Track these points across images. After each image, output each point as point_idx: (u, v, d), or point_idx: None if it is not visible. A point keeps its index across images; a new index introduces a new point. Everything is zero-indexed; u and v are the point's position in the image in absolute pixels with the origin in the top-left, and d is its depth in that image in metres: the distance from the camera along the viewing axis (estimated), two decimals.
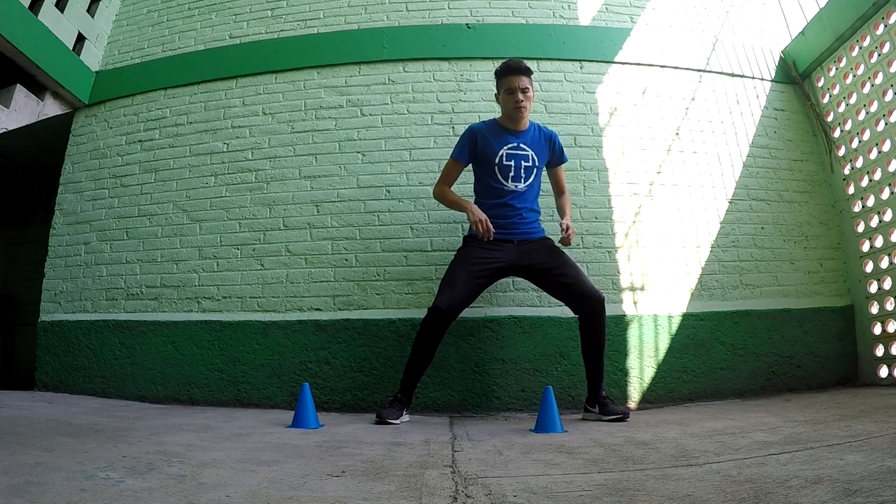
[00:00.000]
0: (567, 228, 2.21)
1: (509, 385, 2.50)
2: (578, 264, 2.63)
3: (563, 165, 2.43)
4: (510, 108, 2.24)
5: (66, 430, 1.60)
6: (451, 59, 2.98)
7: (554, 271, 2.21)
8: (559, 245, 2.27)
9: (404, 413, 2.14)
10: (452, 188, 2.38)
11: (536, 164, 2.29)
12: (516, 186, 2.26)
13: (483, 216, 2.17)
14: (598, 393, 2.15)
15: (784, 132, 3.07)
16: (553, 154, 2.37)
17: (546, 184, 2.46)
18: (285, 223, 2.80)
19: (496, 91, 2.33)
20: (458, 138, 2.81)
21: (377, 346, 2.56)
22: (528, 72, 2.23)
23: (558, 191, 2.46)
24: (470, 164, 2.37)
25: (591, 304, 2.14)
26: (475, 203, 2.31)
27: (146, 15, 3.40)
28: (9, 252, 4.41)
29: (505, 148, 2.26)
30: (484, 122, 2.38)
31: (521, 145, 2.28)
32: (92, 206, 3.04)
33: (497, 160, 2.25)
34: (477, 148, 2.30)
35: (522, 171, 2.26)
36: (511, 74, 2.21)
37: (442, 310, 2.09)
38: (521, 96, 2.20)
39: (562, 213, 2.41)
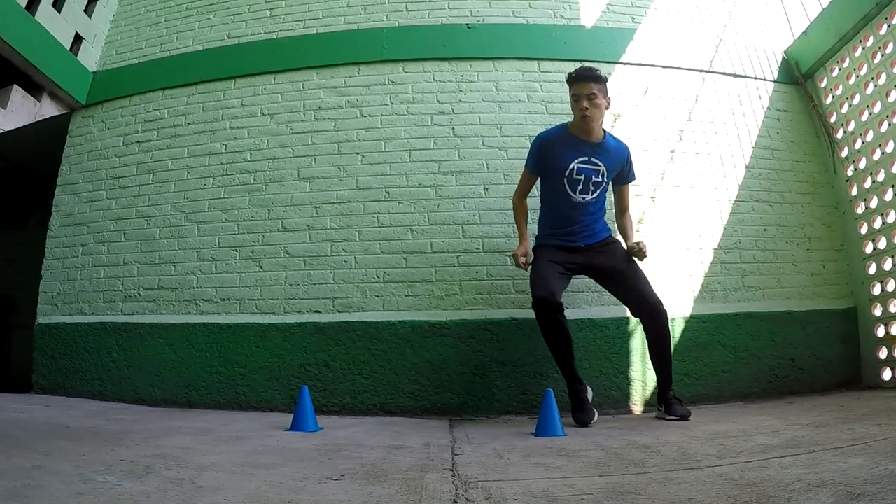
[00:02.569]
0: (637, 246, 2.21)
1: (510, 388, 2.49)
2: None
3: (630, 184, 2.39)
4: (577, 115, 2.19)
5: (63, 434, 1.60)
6: (451, 60, 2.96)
7: (620, 276, 2.23)
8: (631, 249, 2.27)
9: (589, 394, 2.18)
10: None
11: (606, 178, 2.27)
12: (584, 198, 2.24)
13: (521, 256, 2.22)
14: (665, 393, 2.18)
15: (787, 133, 3.06)
16: (623, 170, 2.32)
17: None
18: (284, 225, 2.78)
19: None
20: (458, 139, 2.82)
21: (377, 348, 2.55)
22: (595, 78, 2.14)
23: (621, 209, 2.42)
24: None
25: (651, 314, 2.17)
26: (541, 211, 2.36)
27: (144, 15, 3.39)
28: (5, 254, 4.39)
29: (576, 161, 2.21)
30: (554, 128, 2.32)
31: (593, 159, 2.22)
32: (89, 208, 3.03)
33: (568, 173, 2.21)
34: (545, 158, 2.27)
35: (591, 184, 2.23)
36: (576, 81, 2.16)
37: (543, 297, 2.10)
38: (585, 103, 2.13)
39: (625, 234, 2.38)
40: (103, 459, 1.26)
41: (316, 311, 2.64)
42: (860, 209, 2.84)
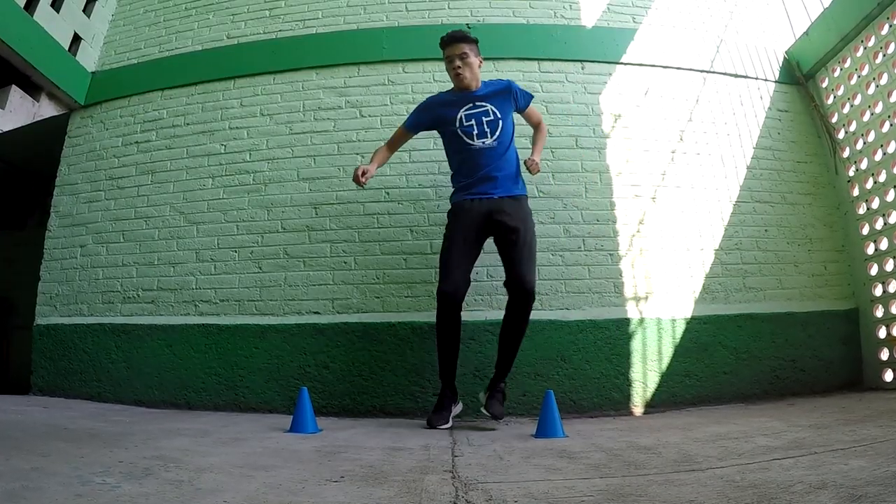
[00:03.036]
0: (530, 160, 2.24)
1: (510, 389, 2.46)
2: (580, 267, 2.64)
3: (532, 105, 2.42)
4: (452, 76, 2.30)
5: (62, 435, 1.59)
6: None
7: (508, 236, 2.17)
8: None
9: (454, 407, 2.21)
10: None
11: (499, 115, 2.27)
12: (483, 143, 2.25)
13: (360, 170, 2.19)
14: (497, 383, 2.19)
15: (788, 134, 3.06)
16: (515, 99, 2.35)
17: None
18: (283, 225, 2.78)
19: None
20: None
21: (376, 349, 2.54)
22: (464, 39, 2.27)
23: (534, 125, 2.47)
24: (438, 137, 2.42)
25: (518, 294, 2.11)
26: (454, 176, 2.35)
27: (143, 15, 3.37)
28: (4, 255, 4.37)
29: (462, 110, 2.28)
30: (440, 92, 2.43)
31: (478, 103, 2.28)
32: (88, 209, 3.02)
33: (457, 123, 2.27)
34: (433, 115, 2.34)
35: (486, 126, 2.26)
36: (448, 44, 2.27)
37: (446, 293, 2.11)
38: (458, 62, 2.25)
39: (533, 147, 2.39)
40: (102, 461, 1.26)
41: (315, 313, 2.63)
42: (862, 210, 2.83)
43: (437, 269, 2.57)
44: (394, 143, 2.45)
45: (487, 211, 2.20)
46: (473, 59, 2.28)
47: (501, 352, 2.19)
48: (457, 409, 2.24)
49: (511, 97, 2.34)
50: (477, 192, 2.23)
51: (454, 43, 2.26)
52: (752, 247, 2.80)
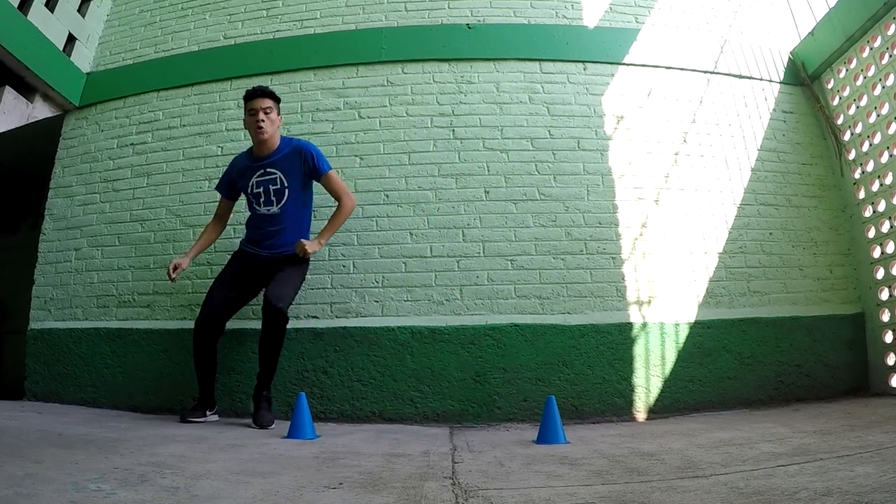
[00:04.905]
0: (308, 245, 2.26)
1: (511, 394, 2.46)
2: (582, 271, 2.62)
3: (329, 175, 2.38)
4: (252, 129, 2.32)
5: (56, 441, 1.59)
6: (451, 61, 2.93)
7: (268, 274, 2.30)
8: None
9: (209, 413, 2.34)
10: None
11: (286, 184, 2.33)
12: (269, 210, 2.34)
13: (172, 265, 2.32)
14: (260, 391, 2.26)
15: (793, 135, 3.03)
16: (305, 166, 2.35)
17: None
18: None
19: (244, 118, 2.38)
20: (458, 141, 2.80)
21: (375, 354, 2.52)
22: (271, 95, 2.33)
23: (335, 198, 2.41)
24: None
25: (265, 306, 2.18)
26: (246, 225, 2.46)
27: (138, 15, 3.34)
28: None
29: (255, 176, 2.35)
30: (242, 153, 2.48)
31: (269, 169, 2.34)
32: (83, 211, 2.99)
33: (249, 189, 2.37)
34: (232, 180, 2.43)
35: (273, 195, 2.33)
36: (253, 97, 2.30)
37: (200, 324, 2.26)
38: (261, 116, 2.27)
39: (326, 225, 2.37)
40: (97, 467, 1.25)
41: (314, 317, 2.61)
42: (868, 213, 2.81)
43: (436, 273, 2.58)
44: (221, 216, 2.52)
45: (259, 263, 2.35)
46: (275, 117, 2.34)
47: (261, 361, 2.27)
48: (212, 418, 2.35)
49: (304, 164, 2.34)
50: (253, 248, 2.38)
51: (260, 97, 2.29)
52: (756, 250, 2.78)
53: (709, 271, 2.70)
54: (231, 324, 2.42)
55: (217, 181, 2.56)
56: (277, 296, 2.18)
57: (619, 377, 2.48)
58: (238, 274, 2.36)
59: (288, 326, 2.56)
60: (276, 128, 2.35)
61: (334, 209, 2.40)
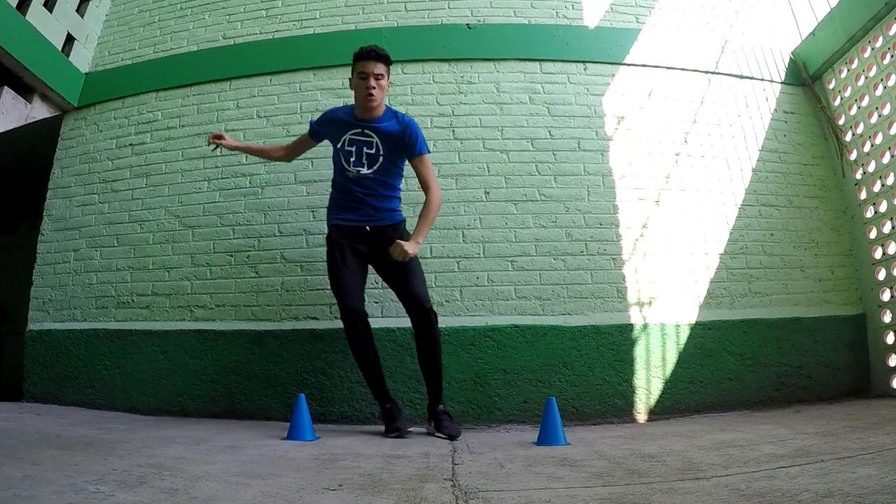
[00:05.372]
0: (398, 247, 2.07)
1: (511, 396, 2.45)
2: (583, 272, 2.61)
3: (424, 158, 2.24)
4: (360, 94, 2.18)
5: (54, 443, 1.58)
6: (451, 61, 2.92)
7: (389, 262, 2.14)
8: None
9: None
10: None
11: (381, 151, 2.20)
12: (358, 171, 2.20)
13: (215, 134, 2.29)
14: (434, 406, 2.14)
15: (794, 136, 3.02)
16: (406, 143, 2.21)
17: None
18: (280, 229, 2.74)
19: (350, 76, 2.24)
20: (458, 141, 2.79)
21: None
22: (385, 59, 2.19)
23: (424, 188, 2.25)
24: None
25: (416, 309, 2.11)
26: (331, 194, 2.32)
27: (137, 15, 3.33)
28: None
29: (349, 133, 2.22)
30: (344, 107, 2.36)
31: (366, 131, 2.21)
32: (81, 212, 2.98)
33: (340, 144, 2.23)
34: (327, 126, 2.30)
35: (364, 157, 2.20)
36: (366, 59, 2.16)
37: (351, 309, 2.08)
38: (372, 82, 2.14)
39: (417, 223, 2.19)
40: (96, 469, 1.24)
41: (313, 318, 2.60)
42: (869, 213, 2.80)
43: (436, 274, 2.57)
44: (293, 148, 2.43)
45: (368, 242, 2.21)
46: (385, 83, 2.21)
47: (427, 377, 2.17)
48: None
49: (403, 137, 2.20)
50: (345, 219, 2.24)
51: (373, 60, 2.16)
52: (757, 251, 2.77)
53: (710, 272, 2.69)
54: (228, 326, 2.42)
55: (215, 180, 2.53)
56: (423, 296, 2.12)
57: (619, 378, 2.47)
58: (352, 251, 2.18)
59: (287, 327, 2.59)
60: (384, 94, 2.22)
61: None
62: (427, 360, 2.15)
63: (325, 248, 2.26)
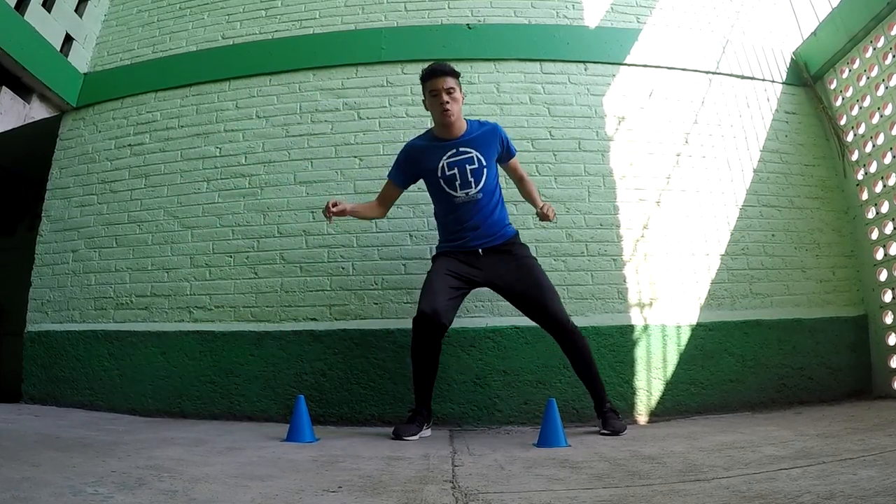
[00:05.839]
0: (544, 208, 2.14)
1: (511, 397, 2.45)
2: (583, 273, 2.60)
3: (515, 158, 2.28)
4: (436, 112, 2.13)
5: (53, 444, 1.59)
6: (451, 61, 2.84)
7: (517, 288, 2.10)
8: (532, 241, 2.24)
9: (425, 427, 2.11)
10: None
11: (484, 163, 2.15)
12: (467, 193, 2.14)
13: (332, 202, 2.10)
14: (601, 406, 2.12)
15: (795, 136, 3.01)
16: (501, 147, 2.21)
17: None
18: (280, 230, 2.73)
19: (423, 98, 2.20)
20: None
21: (375, 357, 2.50)
22: (452, 72, 2.14)
23: (518, 179, 2.32)
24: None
25: (557, 331, 2.09)
26: (438, 226, 2.28)
27: (136, 15, 3.32)
28: None
29: (445, 158, 2.15)
30: (420, 135, 2.29)
31: (461, 149, 2.15)
32: (80, 213, 2.97)
33: (440, 172, 2.15)
34: (413, 163, 2.21)
35: (470, 175, 2.13)
36: (433, 77, 2.13)
37: (425, 313, 1.99)
38: (445, 97, 2.09)
39: (531, 199, 2.30)
40: (94, 471, 1.24)
41: (312, 319, 2.59)
42: (871, 214, 2.79)
43: None
44: (383, 200, 2.31)
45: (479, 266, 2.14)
46: (459, 95, 2.14)
47: (587, 386, 2.15)
48: (426, 432, 2.12)
49: (498, 143, 2.20)
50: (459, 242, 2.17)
51: (440, 76, 2.10)
52: (758, 252, 2.76)
53: (710, 273, 2.68)
54: (227, 327, 2.40)
55: (214, 181, 2.49)
56: (563, 317, 2.07)
57: (620, 380, 2.46)
58: (453, 267, 2.12)
59: (286, 329, 2.58)
60: (460, 106, 2.15)
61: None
62: (582, 372, 2.12)
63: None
